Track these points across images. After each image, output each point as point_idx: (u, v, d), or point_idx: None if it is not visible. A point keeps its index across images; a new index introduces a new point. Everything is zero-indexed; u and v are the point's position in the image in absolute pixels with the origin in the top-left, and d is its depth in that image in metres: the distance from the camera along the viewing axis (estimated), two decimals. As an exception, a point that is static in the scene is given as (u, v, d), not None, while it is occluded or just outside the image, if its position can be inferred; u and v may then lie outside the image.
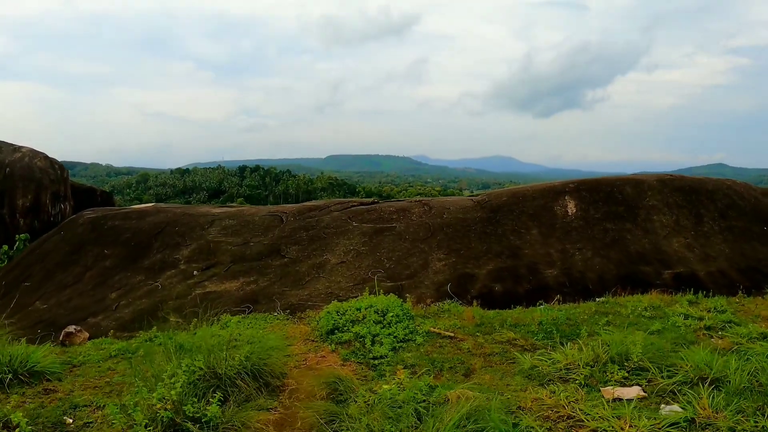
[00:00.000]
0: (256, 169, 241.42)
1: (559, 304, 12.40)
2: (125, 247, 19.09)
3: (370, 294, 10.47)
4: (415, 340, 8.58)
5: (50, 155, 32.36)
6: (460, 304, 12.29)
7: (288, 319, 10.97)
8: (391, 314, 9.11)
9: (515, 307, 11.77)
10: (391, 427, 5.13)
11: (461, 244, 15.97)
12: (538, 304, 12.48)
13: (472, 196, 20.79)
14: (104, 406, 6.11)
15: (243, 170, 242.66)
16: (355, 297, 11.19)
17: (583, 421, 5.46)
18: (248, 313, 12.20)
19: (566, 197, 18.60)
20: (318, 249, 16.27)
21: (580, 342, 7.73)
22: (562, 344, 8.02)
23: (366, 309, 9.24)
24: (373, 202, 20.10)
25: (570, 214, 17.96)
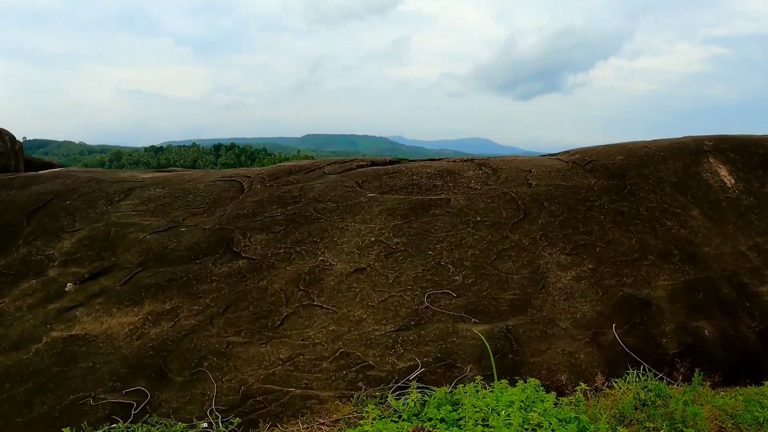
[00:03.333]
0: (232, 147, 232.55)
1: None
2: (-27, 234, 10.81)
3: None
4: None
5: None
6: (658, 377, 4.55)
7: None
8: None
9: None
10: None
11: (589, 234, 8.06)
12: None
13: (551, 155, 12.89)
14: None
15: (218, 148, 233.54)
16: (406, 370, 3.30)
17: None
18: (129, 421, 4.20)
19: (710, 160, 10.91)
20: (306, 241, 8.19)
21: None
22: None
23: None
24: (391, 161, 12.07)
25: (729, 185, 10.26)
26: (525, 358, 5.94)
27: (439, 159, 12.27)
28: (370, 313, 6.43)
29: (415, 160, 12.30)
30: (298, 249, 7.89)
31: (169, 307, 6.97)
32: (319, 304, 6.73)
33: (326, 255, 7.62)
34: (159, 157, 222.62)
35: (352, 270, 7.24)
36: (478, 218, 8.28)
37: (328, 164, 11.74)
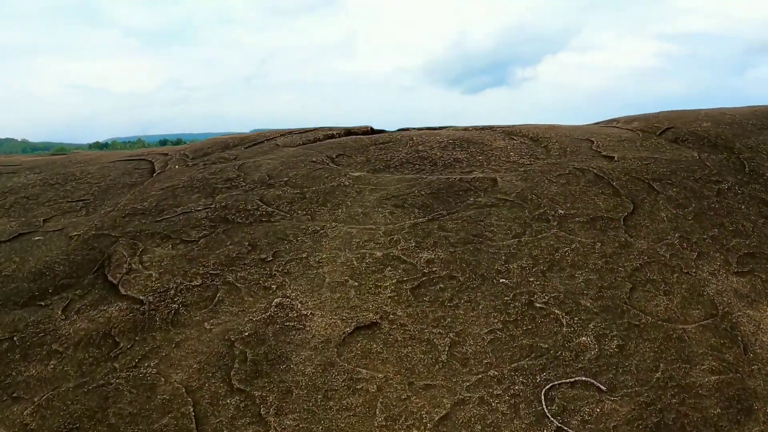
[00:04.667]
0: (178, 142, 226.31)
1: None
2: None
3: None
4: None
5: None
6: None
7: None
8: None
9: None
10: None
11: (745, 236, 4.54)
12: None
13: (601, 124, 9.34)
14: None
15: (164, 144, 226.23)
16: None
17: None
18: None
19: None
20: (247, 259, 4.30)
21: None
22: None
23: None
24: (374, 130, 8.30)
25: None
26: None
27: (440, 127, 8.54)
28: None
29: (408, 129, 8.53)
30: (230, 279, 4.04)
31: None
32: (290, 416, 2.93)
33: (290, 292, 3.78)
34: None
35: (346, 333, 3.42)
36: (560, 210, 4.58)
37: (282, 135, 7.86)
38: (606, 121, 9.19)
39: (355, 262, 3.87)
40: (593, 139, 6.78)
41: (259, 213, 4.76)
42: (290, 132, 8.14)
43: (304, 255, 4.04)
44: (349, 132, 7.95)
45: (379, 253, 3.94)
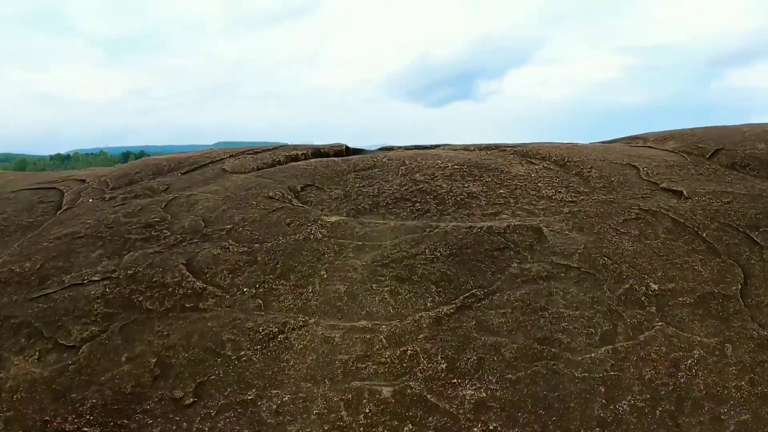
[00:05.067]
0: (141, 155, 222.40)
1: None
2: None
3: None
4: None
5: None
6: None
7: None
8: None
9: None
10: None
11: None
12: None
13: (623, 140, 7.77)
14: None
15: (126, 157, 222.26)
16: None
17: None
18: None
19: None
20: (163, 413, 2.51)
21: None
22: None
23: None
24: (348, 150, 6.55)
25: None
26: None
27: (433, 146, 6.85)
28: None
29: (391, 147, 6.80)
30: None
31: None
32: None
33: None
34: (65, 166, 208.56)
35: None
36: (652, 284, 2.93)
37: (231, 156, 6.05)
38: (627, 138, 7.65)
39: (344, 416, 2.14)
40: (636, 164, 5.19)
41: (181, 293, 3.00)
42: (244, 151, 6.35)
43: (249, 396, 2.30)
44: (318, 152, 6.19)
45: (385, 390, 2.22)
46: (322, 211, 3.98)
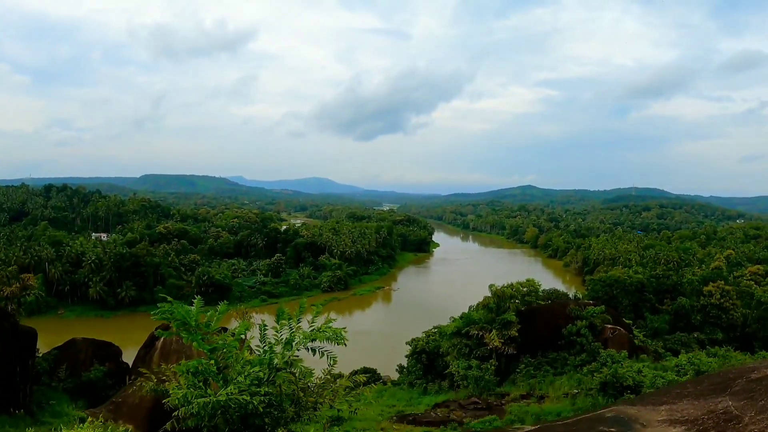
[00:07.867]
0: (64, 188, 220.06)
1: None
2: None
3: None
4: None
5: None
6: None
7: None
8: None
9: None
10: None
11: None
12: None
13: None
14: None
15: (49, 189, 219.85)
16: None
17: None
18: None
19: None
20: None
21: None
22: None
23: None
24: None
25: None
26: None
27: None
28: None
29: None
30: None
31: None
32: None
33: None
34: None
35: None
36: None
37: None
38: (691, 381, 9.13)
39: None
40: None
41: None
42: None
43: None
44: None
45: None
46: None
